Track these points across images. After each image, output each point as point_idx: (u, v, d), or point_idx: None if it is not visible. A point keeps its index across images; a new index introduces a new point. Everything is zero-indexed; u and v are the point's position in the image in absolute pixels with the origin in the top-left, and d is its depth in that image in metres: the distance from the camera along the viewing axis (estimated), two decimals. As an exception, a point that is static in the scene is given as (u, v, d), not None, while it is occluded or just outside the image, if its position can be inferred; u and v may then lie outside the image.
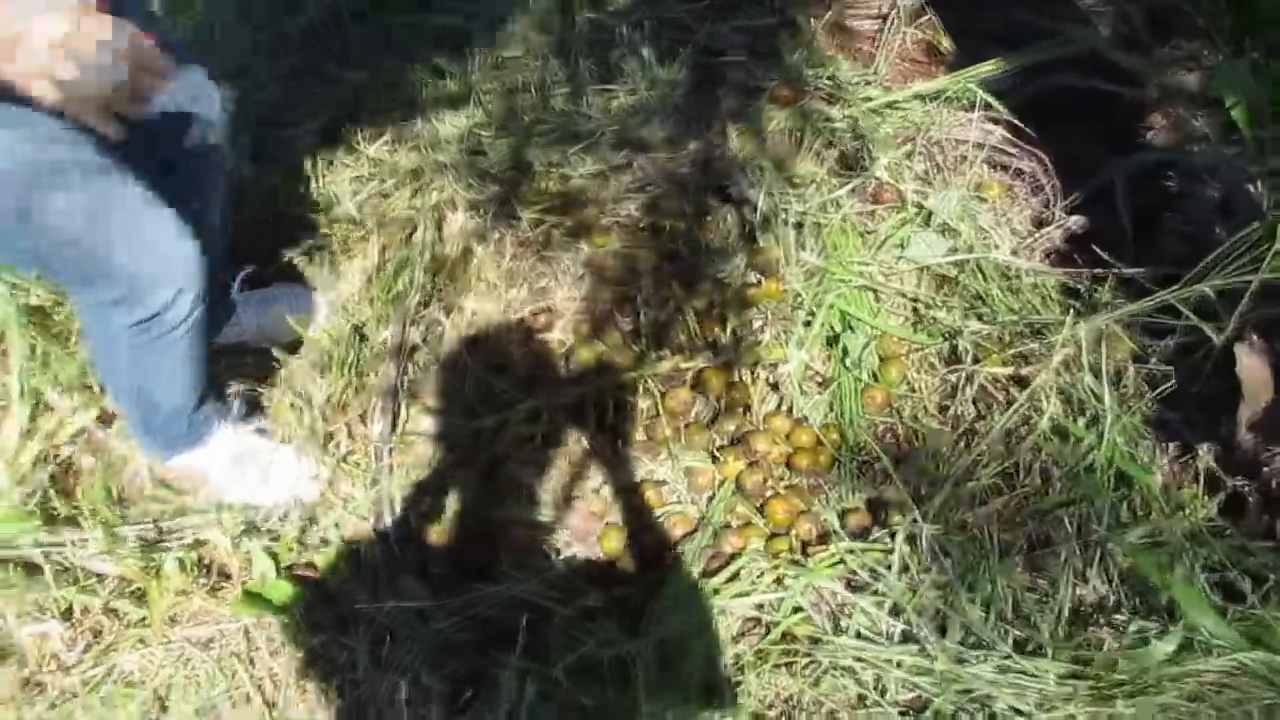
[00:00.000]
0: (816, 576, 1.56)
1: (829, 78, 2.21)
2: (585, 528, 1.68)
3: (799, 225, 1.99)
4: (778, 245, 1.94)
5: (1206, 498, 1.60)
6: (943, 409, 1.78)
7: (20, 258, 1.31)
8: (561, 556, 1.67)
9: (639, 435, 1.78)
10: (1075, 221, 1.95)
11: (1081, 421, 1.66)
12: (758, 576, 1.60)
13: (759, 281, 1.92)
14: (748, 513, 1.71)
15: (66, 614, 1.58)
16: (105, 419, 1.77)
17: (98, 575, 1.58)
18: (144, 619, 1.57)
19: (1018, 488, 1.63)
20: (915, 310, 1.88)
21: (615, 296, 1.91)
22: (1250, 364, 1.60)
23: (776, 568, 1.60)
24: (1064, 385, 1.68)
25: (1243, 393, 1.53)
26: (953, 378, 1.78)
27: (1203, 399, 1.65)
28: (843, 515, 1.70)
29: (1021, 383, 1.72)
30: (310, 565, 1.62)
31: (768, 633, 1.55)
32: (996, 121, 2.11)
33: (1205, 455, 1.60)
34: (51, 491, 1.64)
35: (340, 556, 1.62)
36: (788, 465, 1.75)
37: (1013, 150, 2.08)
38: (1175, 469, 1.65)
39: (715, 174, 2.05)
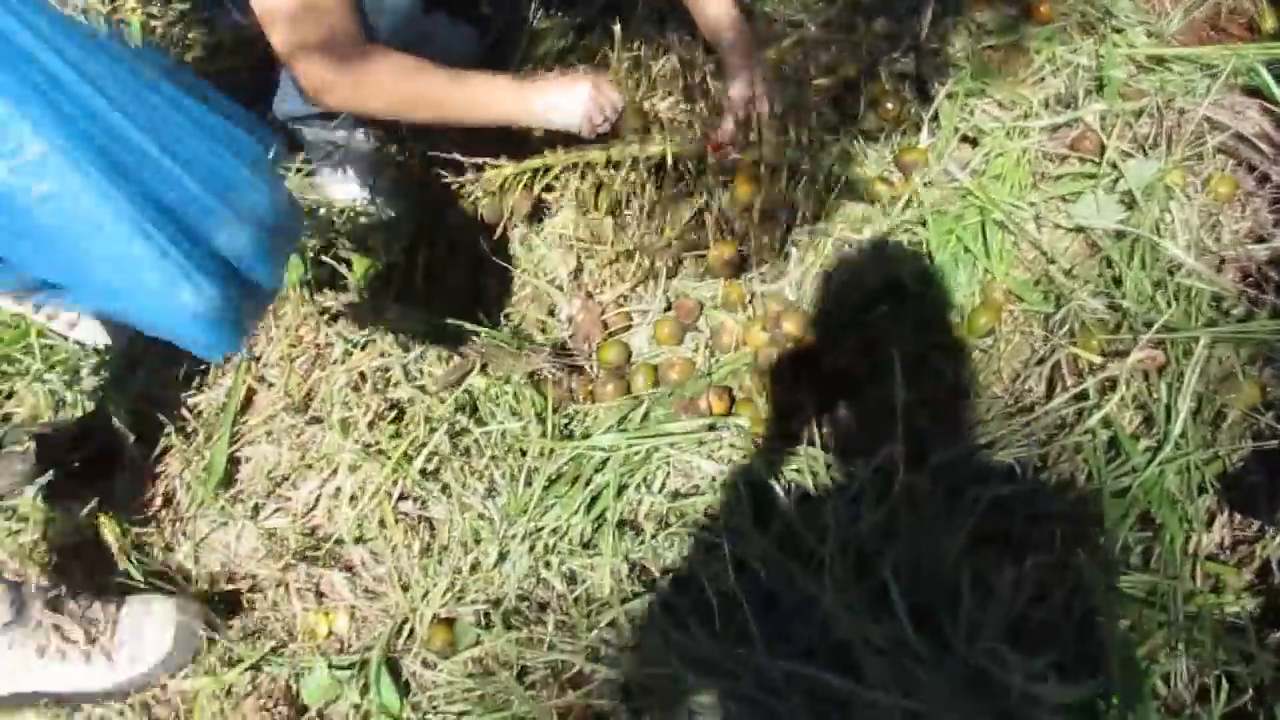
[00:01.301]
0: (757, 467, 1.44)
1: (1104, 10, 1.90)
2: (589, 329, 1.64)
3: (974, 141, 1.77)
4: (934, 153, 1.74)
5: (1247, 594, 1.29)
6: (1015, 377, 1.55)
7: None
8: (548, 337, 1.64)
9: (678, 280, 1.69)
10: (1292, 247, 1.58)
11: (1144, 443, 1.38)
12: (715, 444, 1.50)
13: (894, 181, 1.74)
14: (753, 389, 1.58)
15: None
16: None
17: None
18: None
19: (1029, 478, 1.39)
20: (1046, 272, 1.62)
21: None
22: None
23: (742, 447, 1.49)
24: (1145, 397, 1.40)
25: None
26: (1041, 349, 1.54)
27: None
28: (844, 435, 1.54)
29: (1110, 382, 1.45)
30: (337, 258, 1.69)
31: (688, 496, 1.46)
32: (1270, 114, 1.74)
33: (1272, 543, 1.28)
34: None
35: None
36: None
37: (1268, 150, 1.70)
38: (1230, 540, 1.34)
39: (919, 65, 1.85)
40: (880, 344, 1.59)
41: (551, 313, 1.68)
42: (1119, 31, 1.88)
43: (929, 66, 1.82)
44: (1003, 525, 1.38)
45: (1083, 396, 1.45)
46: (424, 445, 1.49)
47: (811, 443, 1.49)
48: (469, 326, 1.57)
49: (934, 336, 1.59)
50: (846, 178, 1.76)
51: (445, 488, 1.48)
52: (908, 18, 1.89)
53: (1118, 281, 1.56)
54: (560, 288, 1.67)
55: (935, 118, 1.78)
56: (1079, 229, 1.65)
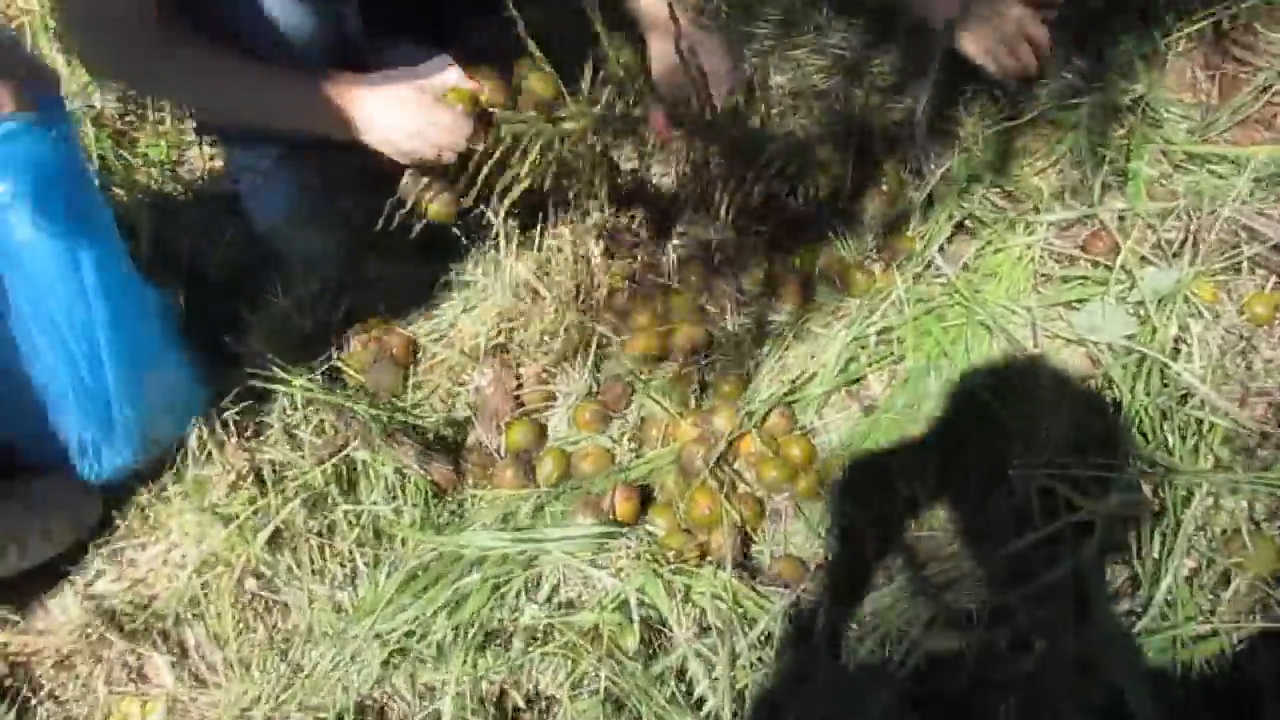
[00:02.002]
0: (652, 588, 1.20)
1: (1140, 99, 1.68)
2: (498, 404, 1.43)
3: (972, 233, 1.55)
4: (923, 241, 1.52)
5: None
6: (980, 507, 1.30)
7: None
8: (453, 412, 1.44)
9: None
10: (1335, 383, 1.31)
11: (1125, 605, 1.12)
12: (617, 552, 1.27)
13: (874, 270, 1.53)
14: (674, 493, 1.36)
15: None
16: None
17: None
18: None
19: (980, 633, 1.13)
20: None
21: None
22: None
23: (649, 559, 1.26)
24: (1131, 548, 1.14)
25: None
26: (1015, 476, 1.29)
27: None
28: (772, 560, 1.30)
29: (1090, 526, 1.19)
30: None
31: (575, 610, 1.22)
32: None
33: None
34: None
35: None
36: (752, 464, 1.37)
37: (1318, 269, 1.45)
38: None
39: (918, 141, 1.64)
40: (831, 459, 1.37)
41: (464, 382, 1.48)
42: (1155, 125, 1.65)
43: (928, 144, 1.61)
44: (941, 686, 1.13)
45: (1057, 539, 1.19)
46: (279, 514, 1.29)
47: (732, 565, 1.25)
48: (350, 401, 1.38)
49: (893, 451, 1.35)
50: (821, 264, 1.56)
51: (291, 570, 1.27)
52: (911, 87, 1.69)
53: (1116, 406, 1.30)
54: (476, 357, 1.47)
55: (930, 202, 1.57)
56: (1080, 341, 1.41)
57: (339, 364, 1.48)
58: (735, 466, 1.38)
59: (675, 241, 1.55)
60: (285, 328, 1.52)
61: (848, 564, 1.25)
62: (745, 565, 1.28)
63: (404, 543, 1.29)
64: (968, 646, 1.13)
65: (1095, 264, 1.48)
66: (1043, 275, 1.50)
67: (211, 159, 1.70)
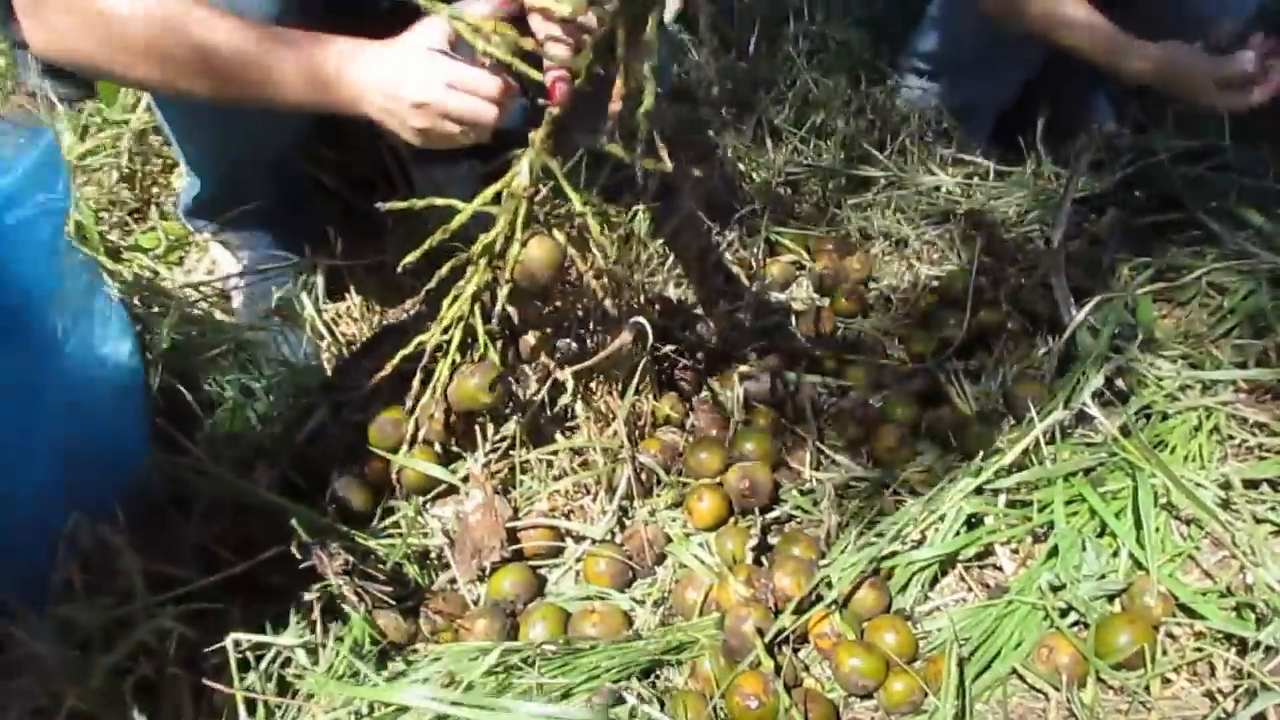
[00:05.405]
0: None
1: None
2: (484, 539, 1.05)
3: (1122, 398, 1.18)
4: (1066, 391, 1.16)
5: None
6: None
7: None
8: (425, 540, 1.07)
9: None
10: None
11: None
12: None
13: (998, 424, 1.17)
14: (712, 677, 0.94)
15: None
16: None
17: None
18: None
19: None
20: (1243, 578, 0.96)
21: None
22: None
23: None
24: None
25: None
26: (1231, 702, 0.85)
27: None
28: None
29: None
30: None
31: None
32: None
33: None
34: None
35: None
36: (825, 651, 0.95)
37: None
38: None
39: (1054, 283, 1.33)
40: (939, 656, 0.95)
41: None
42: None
43: (1063, 283, 1.30)
44: None
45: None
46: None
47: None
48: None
49: (1038, 655, 0.93)
50: (929, 416, 1.21)
51: None
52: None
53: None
54: (465, 477, 1.12)
55: (1071, 356, 1.23)
56: (1289, 528, 1.00)
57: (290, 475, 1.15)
58: (802, 653, 0.97)
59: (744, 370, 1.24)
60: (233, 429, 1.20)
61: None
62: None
63: (310, 698, 0.88)
64: None
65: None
66: (1235, 446, 1.11)
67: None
